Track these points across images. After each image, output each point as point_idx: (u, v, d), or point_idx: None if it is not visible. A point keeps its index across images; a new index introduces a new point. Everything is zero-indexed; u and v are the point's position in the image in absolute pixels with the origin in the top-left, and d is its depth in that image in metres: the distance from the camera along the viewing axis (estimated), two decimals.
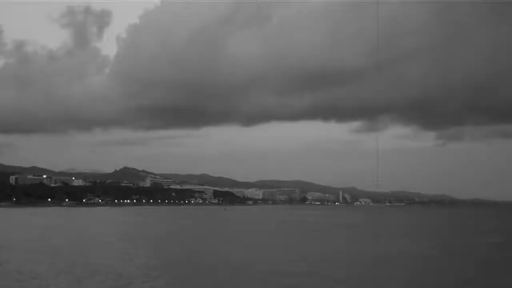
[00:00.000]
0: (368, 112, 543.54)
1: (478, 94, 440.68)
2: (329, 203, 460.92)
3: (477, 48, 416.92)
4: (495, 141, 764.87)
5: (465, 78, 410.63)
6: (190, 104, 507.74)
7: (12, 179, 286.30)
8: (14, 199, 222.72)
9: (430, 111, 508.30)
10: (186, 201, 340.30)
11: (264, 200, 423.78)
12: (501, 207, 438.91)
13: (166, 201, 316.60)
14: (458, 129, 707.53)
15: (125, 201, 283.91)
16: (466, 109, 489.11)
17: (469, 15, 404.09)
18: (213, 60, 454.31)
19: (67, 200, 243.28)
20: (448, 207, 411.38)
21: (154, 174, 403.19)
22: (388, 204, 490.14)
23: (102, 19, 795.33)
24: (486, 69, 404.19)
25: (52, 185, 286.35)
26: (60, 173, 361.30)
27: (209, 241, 57.06)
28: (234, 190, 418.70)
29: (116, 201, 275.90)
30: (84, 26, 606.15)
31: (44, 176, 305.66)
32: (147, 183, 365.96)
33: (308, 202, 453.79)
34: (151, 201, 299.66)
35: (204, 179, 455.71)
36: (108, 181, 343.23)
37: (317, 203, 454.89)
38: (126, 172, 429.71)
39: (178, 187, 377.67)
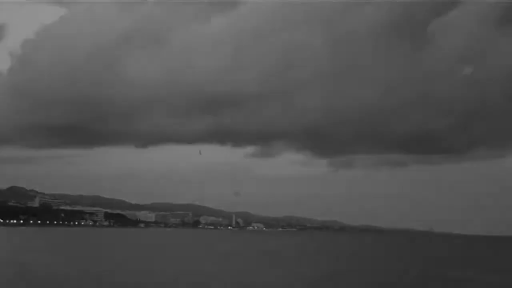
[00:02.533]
0: (263, 138, 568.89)
1: (369, 124, 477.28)
2: (222, 227, 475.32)
3: (371, 80, 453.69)
4: (384, 170, 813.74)
5: (358, 108, 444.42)
6: (84, 123, 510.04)
7: None
8: None
9: (323, 138, 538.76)
10: (76, 223, 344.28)
11: (157, 223, 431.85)
12: (385, 234, 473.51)
13: (55, 222, 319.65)
14: (350, 157, 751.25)
15: (12, 221, 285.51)
16: (358, 138, 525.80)
17: (365, 47, 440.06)
18: (110, 79, 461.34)
19: None
20: (337, 233, 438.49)
21: (44, 194, 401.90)
22: (280, 229, 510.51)
23: None
24: (378, 100, 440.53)
25: None
26: None
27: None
28: (126, 213, 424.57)
29: (1, 220, 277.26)
30: None
31: None
32: (36, 203, 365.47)
33: (201, 226, 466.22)
34: (39, 221, 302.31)
35: (96, 200, 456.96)
36: None
37: (210, 227, 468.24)
38: (13, 191, 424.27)
39: (68, 207, 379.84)
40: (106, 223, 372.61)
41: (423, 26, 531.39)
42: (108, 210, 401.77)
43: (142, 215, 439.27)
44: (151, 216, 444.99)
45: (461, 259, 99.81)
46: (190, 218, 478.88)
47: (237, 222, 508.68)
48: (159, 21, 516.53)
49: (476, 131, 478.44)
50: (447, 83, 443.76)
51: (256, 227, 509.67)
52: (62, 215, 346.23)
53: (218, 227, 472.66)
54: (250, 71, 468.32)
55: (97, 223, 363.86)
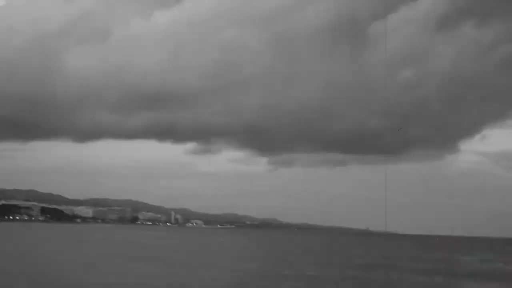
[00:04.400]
0: (204, 135, 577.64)
1: (310, 122, 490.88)
2: (160, 224, 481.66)
3: (311, 79, 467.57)
4: (323, 168, 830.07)
5: (299, 106, 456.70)
6: (20, 116, 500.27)
7: None
8: None
9: (263, 136, 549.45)
10: (11, 217, 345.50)
11: (94, 219, 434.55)
12: (324, 232, 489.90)
13: None
14: (290, 156, 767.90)
15: None
16: (298, 137, 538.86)
17: (306, 46, 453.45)
18: (48, 72, 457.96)
19: None
20: (274, 231, 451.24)
21: None
22: (219, 226, 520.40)
23: None
24: (318, 99, 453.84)
25: None
26: None
27: None
28: (63, 208, 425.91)
29: None
30: None
31: None
32: None
33: (139, 222, 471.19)
34: None
35: (31, 195, 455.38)
36: None
37: (148, 223, 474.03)
38: None
39: (2, 202, 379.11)
40: (41, 218, 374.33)
41: (364, 27, 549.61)
42: (45, 205, 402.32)
43: (79, 210, 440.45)
44: (88, 212, 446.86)
45: (384, 259, 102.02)
46: (129, 214, 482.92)
47: (176, 219, 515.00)
48: (100, 15, 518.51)
49: (413, 133, 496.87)
50: (387, 85, 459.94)
51: (195, 224, 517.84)
52: None
53: (157, 223, 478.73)
54: (191, 67, 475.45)
55: (33, 218, 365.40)
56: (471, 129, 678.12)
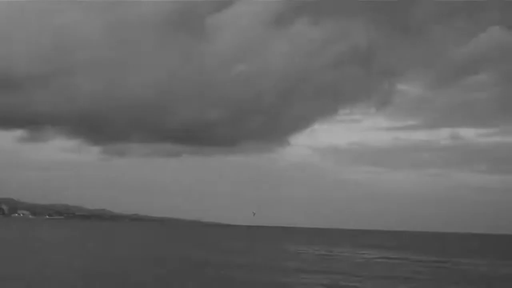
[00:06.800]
0: (33, 122, 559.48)
1: (144, 112, 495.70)
2: None
3: (147, 68, 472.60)
4: (157, 159, 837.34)
5: (133, 96, 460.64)
6: None
7: None
8: None
9: (97, 125, 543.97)
10: None
11: None
12: (155, 223, 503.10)
13: None
14: (123, 146, 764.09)
15: None
16: (132, 127, 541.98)
17: (142, 34, 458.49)
18: None
19: None
20: (104, 222, 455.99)
21: None
22: (47, 217, 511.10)
23: None
24: (154, 89, 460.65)
25: None
26: None
27: None
28: None
29: None
30: None
31: None
32: None
33: None
34: None
35: None
36: None
37: None
38: None
39: None
40: None
41: (201, 19, 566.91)
42: None
43: None
44: None
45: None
46: None
47: (1, 209, 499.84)
48: None
49: (247, 126, 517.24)
50: (222, 78, 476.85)
51: (22, 214, 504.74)
52: None
53: None
54: (22, 51, 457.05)
55: None
56: (302, 123, 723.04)
